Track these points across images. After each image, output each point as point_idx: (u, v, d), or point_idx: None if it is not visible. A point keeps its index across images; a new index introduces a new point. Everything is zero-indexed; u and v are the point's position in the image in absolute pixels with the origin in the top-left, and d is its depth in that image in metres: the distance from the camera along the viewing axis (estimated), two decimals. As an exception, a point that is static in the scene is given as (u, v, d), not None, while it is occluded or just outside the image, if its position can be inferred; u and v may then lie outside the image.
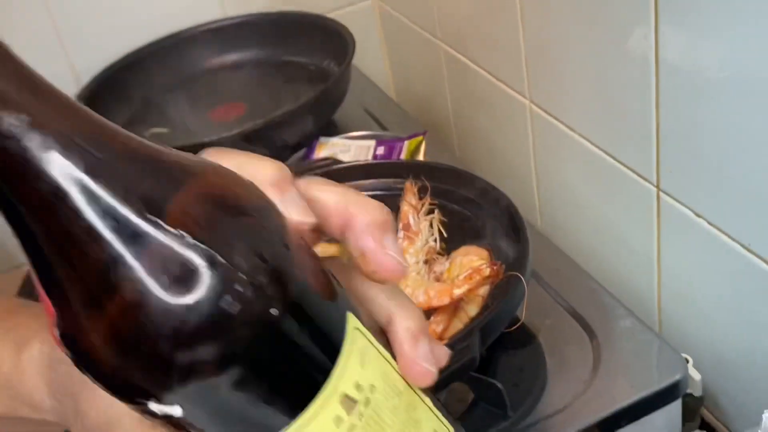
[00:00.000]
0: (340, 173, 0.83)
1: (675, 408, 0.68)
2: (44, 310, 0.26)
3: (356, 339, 0.29)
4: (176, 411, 0.26)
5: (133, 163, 0.25)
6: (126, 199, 0.24)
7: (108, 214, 0.24)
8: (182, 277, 0.24)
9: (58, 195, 0.24)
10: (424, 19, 1.07)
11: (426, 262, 0.73)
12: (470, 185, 0.77)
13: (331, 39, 1.07)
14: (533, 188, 0.93)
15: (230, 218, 0.26)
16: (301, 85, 1.07)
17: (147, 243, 0.24)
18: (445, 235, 0.75)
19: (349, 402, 0.28)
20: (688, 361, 0.70)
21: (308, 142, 0.97)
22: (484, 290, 0.67)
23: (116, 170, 0.25)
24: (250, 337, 0.26)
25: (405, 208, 0.75)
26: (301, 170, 0.87)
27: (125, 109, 1.08)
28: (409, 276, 0.71)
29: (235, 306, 0.25)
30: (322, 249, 0.32)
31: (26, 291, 0.82)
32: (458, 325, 0.67)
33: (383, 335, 0.32)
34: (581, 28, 0.74)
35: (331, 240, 0.32)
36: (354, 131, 1.00)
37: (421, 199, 0.76)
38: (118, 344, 0.25)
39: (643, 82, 0.67)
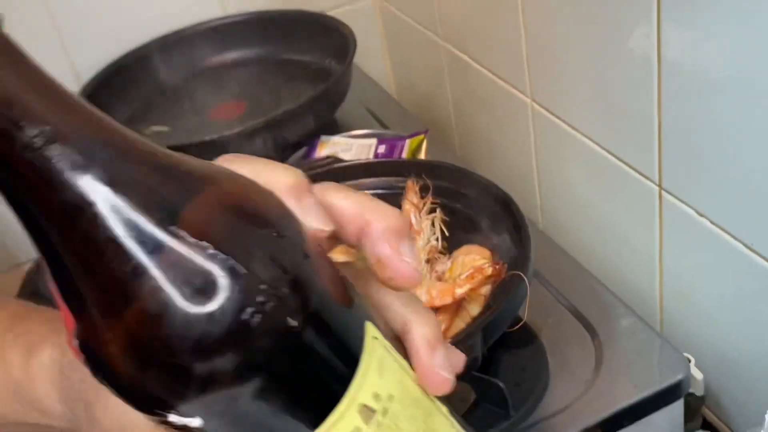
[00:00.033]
0: (341, 172, 0.83)
1: (677, 408, 0.68)
2: (62, 319, 0.26)
3: (375, 348, 0.29)
4: (195, 422, 0.26)
5: (154, 172, 0.25)
6: (148, 209, 0.24)
7: (131, 225, 0.24)
8: (204, 287, 0.24)
9: (81, 207, 0.24)
10: (425, 18, 1.06)
11: (428, 261, 0.73)
12: (472, 184, 0.77)
13: (332, 37, 1.06)
14: (535, 187, 0.93)
15: (251, 227, 0.26)
16: (302, 83, 1.07)
17: (169, 253, 0.24)
18: (446, 234, 0.75)
19: (367, 412, 0.28)
20: (690, 361, 0.70)
21: (309, 141, 0.97)
22: (486, 289, 0.67)
23: (138, 181, 0.25)
24: (272, 347, 0.25)
25: (407, 207, 0.75)
26: (302, 170, 0.87)
27: (125, 108, 1.08)
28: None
29: (257, 316, 0.25)
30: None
31: (27, 291, 0.82)
32: (460, 324, 0.67)
33: (398, 342, 0.32)
34: (583, 26, 0.74)
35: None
36: (355, 130, 1.00)
37: (422, 198, 0.76)
38: (139, 355, 0.25)
39: (646, 81, 0.67)
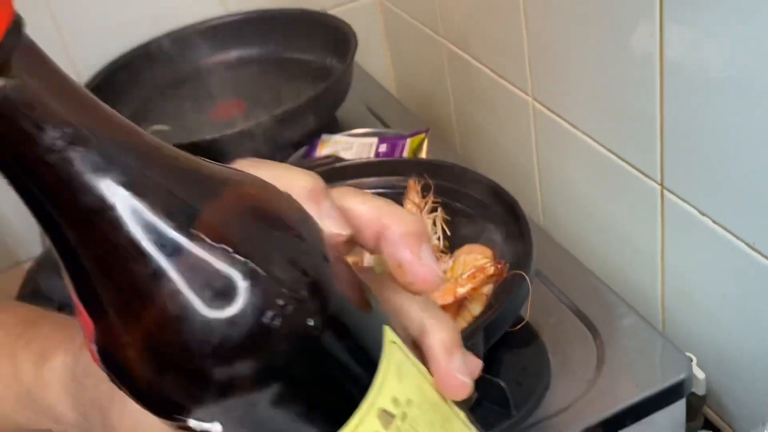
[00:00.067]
0: (342, 171, 0.83)
1: (679, 407, 0.68)
2: (80, 324, 0.26)
3: (393, 353, 0.29)
4: (215, 428, 0.26)
5: (174, 176, 0.25)
6: (168, 212, 0.24)
7: (151, 228, 0.24)
8: (225, 290, 0.24)
9: (102, 209, 0.24)
10: (426, 16, 1.06)
11: (429, 260, 0.73)
12: (473, 183, 0.77)
13: (332, 36, 1.06)
14: (536, 186, 0.93)
15: (271, 231, 0.26)
16: (302, 82, 1.07)
17: (189, 256, 0.24)
18: (448, 233, 0.75)
19: (386, 417, 0.28)
20: (692, 360, 0.70)
21: (310, 140, 0.97)
22: (487, 289, 0.67)
23: (158, 184, 0.25)
24: (292, 351, 0.25)
25: (408, 206, 0.75)
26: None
27: (126, 106, 1.07)
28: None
29: (278, 320, 0.25)
30: None
31: (27, 290, 0.82)
32: (462, 323, 0.67)
33: (415, 346, 0.31)
34: (585, 25, 0.73)
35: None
36: (356, 129, 1.00)
37: (424, 197, 0.76)
38: (159, 358, 0.25)
39: (648, 80, 0.67)
